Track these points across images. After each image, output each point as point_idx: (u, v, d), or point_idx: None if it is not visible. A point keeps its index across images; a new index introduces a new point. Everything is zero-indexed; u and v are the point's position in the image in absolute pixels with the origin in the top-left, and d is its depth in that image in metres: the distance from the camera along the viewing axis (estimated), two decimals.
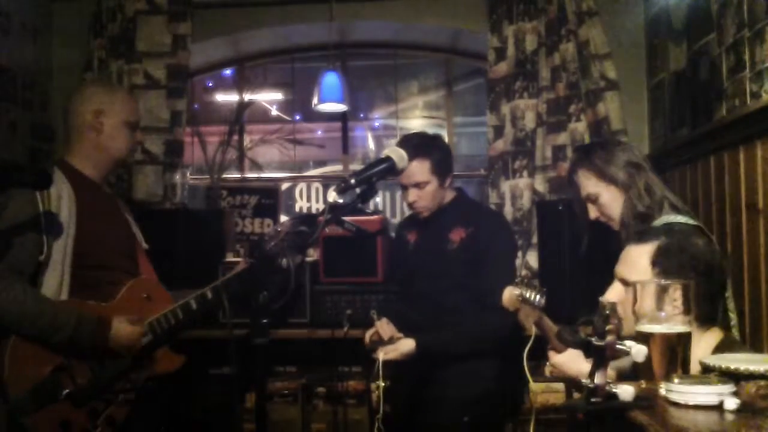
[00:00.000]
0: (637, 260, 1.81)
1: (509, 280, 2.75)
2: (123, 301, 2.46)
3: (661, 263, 1.76)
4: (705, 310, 1.74)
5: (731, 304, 2.27)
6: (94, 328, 2.32)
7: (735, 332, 2.24)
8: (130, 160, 2.77)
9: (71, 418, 2.29)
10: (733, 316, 2.25)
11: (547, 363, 2.08)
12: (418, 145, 2.67)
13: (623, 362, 1.86)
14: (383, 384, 2.56)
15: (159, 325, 2.47)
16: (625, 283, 1.83)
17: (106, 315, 2.36)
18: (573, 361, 1.95)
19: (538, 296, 1.92)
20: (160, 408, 2.62)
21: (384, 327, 2.70)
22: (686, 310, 1.53)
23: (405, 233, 2.94)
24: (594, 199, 2.40)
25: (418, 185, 2.70)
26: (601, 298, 2.29)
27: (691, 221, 2.23)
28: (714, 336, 1.77)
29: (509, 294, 2.02)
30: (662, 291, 1.54)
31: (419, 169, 2.66)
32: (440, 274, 2.73)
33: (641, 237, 1.87)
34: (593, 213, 2.42)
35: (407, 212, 3.08)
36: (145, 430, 2.52)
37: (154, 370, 2.49)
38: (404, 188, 2.76)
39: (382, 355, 2.58)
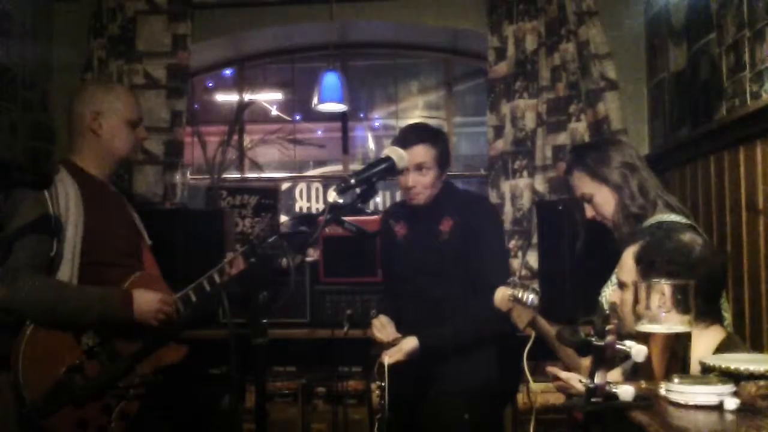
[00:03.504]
0: (626, 260, 1.83)
1: (503, 264, 2.76)
2: None
3: (642, 261, 1.78)
4: (698, 307, 1.72)
5: (725, 303, 2.26)
6: (118, 303, 2.38)
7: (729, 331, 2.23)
8: (133, 158, 2.79)
9: (87, 415, 2.32)
10: (727, 316, 2.24)
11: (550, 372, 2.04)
12: (426, 131, 2.77)
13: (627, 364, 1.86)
14: (385, 385, 2.54)
15: None
16: (621, 284, 1.84)
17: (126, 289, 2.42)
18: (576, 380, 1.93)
19: (530, 296, 1.91)
20: (169, 401, 2.63)
21: (385, 327, 2.70)
22: (684, 310, 1.53)
23: (392, 225, 2.89)
24: (589, 199, 2.41)
25: (420, 168, 2.68)
26: (602, 298, 2.29)
27: (684, 220, 2.24)
28: (716, 335, 1.77)
29: (501, 294, 2.02)
30: (649, 290, 1.55)
31: (425, 153, 2.67)
32: (433, 266, 2.72)
33: (632, 237, 1.89)
34: (589, 212, 2.43)
35: None
36: (155, 423, 2.54)
37: (161, 362, 2.50)
38: (404, 172, 2.66)
39: (387, 359, 2.56)
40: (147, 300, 2.42)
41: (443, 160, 2.75)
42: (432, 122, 5.07)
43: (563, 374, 1.93)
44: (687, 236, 1.82)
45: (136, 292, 2.42)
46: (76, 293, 2.35)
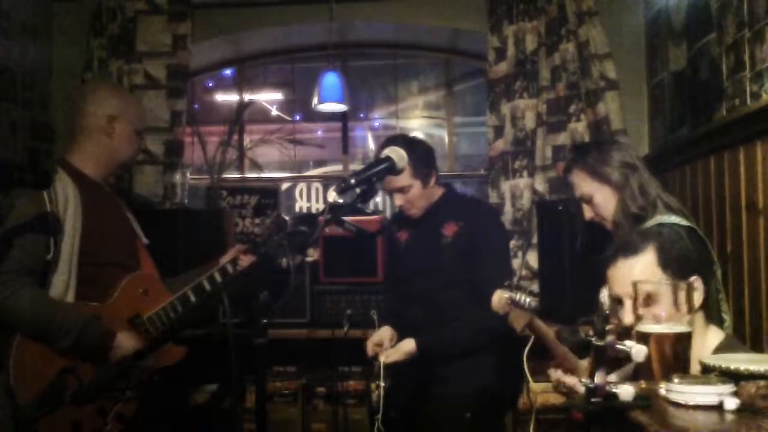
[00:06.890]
0: (629, 274, 1.73)
1: (506, 269, 2.75)
2: (120, 298, 2.48)
3: (670, 266, 1.73)
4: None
5: (725, 306, 2.26)
6: (98, 335, 2.35)
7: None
8: (131, 164, 2.82)
9: (81, 417, 2.31)
10: (726, 318, 2.24)
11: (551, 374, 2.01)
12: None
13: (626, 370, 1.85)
14: (383, 385, 2.55)
15: (159, 320, 2.49)
16: (620, 301, 1.76)
17: (109, 323, 2.38)
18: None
19: (528, 299, 1.90)
20: (166, 402, 2.63)
21: (381, 340, 2.70)
22: (689, 310, 1.53)
23: (395, 232, 2.94)
24: (588, 199, 2.39)
25: (402, 190, 2.71)
26: (602, 298, 2.28)
27: (684, 222, 2.22)
28: (714, 336, 1.77)
29: (498, 297, 2.00)
30: (675, 291, 1.53)
31: (399, 175, 2.64)
32: (436, 270, 2.73)
33: (627, 251, 1.78)
34: (588, 213, 2.41)
35: None
36: (153, 425, 2.53)
37: (158, 364, 2.50)
38: (390, 193, 2.78)
39: (383, 358, 2.58)
40: (127, 347, 2.37)
41: (421, 171, 2.70)
42: (432, 122, 5.06)
43: (569, 380, 1.90)
44: (689, 242, 1.83)
45: (120, 334, 2.38)
46: (60, 315, 2.31)
